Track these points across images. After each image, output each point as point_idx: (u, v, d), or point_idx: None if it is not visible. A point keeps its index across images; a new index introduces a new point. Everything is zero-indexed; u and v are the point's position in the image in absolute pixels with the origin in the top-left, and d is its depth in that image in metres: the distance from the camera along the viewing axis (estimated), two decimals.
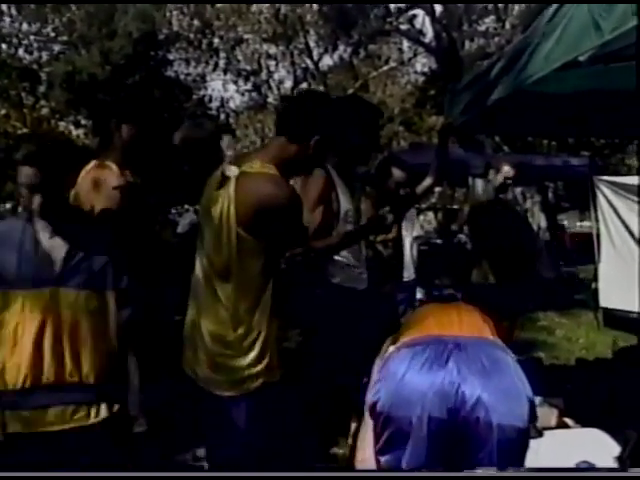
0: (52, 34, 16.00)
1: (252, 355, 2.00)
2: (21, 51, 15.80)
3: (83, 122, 15.68)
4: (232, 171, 2.04)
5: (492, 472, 1.82)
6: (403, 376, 1.80)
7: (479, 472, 1.85)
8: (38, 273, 1.91)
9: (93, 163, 2.65)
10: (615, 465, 2.64)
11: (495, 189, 4.18)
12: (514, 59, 2.17)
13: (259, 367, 2.01)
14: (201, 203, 2.15)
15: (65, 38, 16.00)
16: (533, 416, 1.86)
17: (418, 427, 1.75)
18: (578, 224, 19.63)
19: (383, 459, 1.86)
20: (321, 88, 17.33)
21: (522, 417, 1.80)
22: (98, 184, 2.52)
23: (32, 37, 15.71)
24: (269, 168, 2.03)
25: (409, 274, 4.56)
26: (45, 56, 16.25)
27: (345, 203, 2.79)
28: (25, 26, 15.67)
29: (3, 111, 13.22)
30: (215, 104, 18.99)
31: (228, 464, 1.99)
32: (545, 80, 2.11)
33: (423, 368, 1.79)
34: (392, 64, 17.40)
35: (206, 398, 2.05)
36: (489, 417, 1.75)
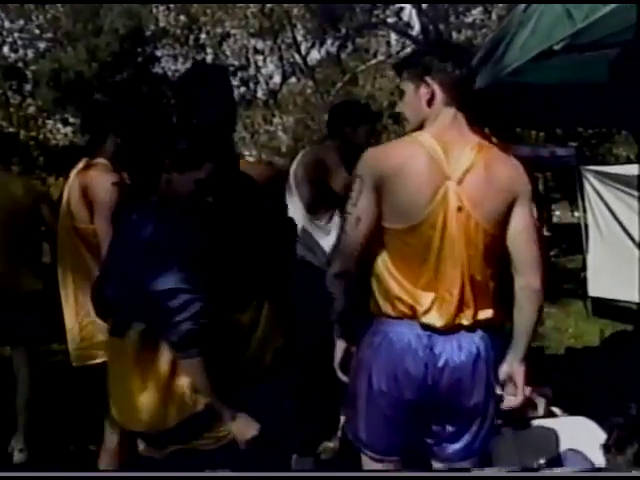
0: (36, 31, 15.84)
1: None
2: (5, 49, 15.66)
3: (71, 120, 15.55)
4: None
5: (493, 472, 1.87)
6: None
7: (479, 472, 1.89)
8: None
9: (84, 161, 2.60)
10: (601, 452, 2.66)
11: None
12: (492, 50, 2.17)
13: None
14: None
15: (50, 35, 15.85)
16: None
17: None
18: None
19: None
20: (310, 83, 17.32)
21: None
22: (94, 182, 2.48)
23: (16, 34, 15.55)
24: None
25: None
26: (30, 54, 16.09)
27: None
28: (7, 23, 15.50)
29: None
30: None
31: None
32: (522, 71, 2.12)
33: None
34: (380, 57, 17.35)
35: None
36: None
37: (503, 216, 1.79)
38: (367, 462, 1.95)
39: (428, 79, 1.81)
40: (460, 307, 1.79)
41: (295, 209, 3.11)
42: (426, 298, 1.78)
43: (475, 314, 1.81)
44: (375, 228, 1.80)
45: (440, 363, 1.79)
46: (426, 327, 1.80)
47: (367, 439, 1.91)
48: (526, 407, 3.18)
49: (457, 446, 1.89)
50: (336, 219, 2.97)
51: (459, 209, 1.74)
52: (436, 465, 1.93)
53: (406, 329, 1.81)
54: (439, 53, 1.85)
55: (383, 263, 1.83)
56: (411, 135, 1.83)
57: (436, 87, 1.80)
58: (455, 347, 1.80)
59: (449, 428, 1.87)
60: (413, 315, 1.81)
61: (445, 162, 1.75)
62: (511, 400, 1.94)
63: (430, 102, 1.81)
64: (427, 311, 1.79)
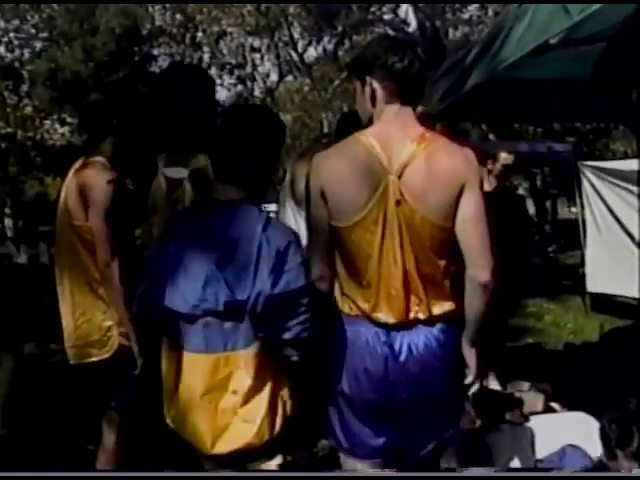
0: (32, 31, 15.81)
1: None
2: (1, 49, 15.65)
3: (69, 120, 15.56)
4: None
5: (493, 472, 1.86)
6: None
7: (479, 472, 1.88)
8: None
9: (82, 160, 2.59)
10: (600, 447, 2.66)
11: (496, 177, 4.15)
12: (489, 44, 2.16)
13: None
14: None
15: (46, 35, 15.84)
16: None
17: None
18: None
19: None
20: (307, 80, 17.32)
21: None
22: (91, 180, 2.46)
23: (12, 34, 15.53)
24: None
25: None
26: (27, 54, 16.09)
27: None
28: (3, 23, 15.47)
29: None
30: None
31: None
32: (518, 66, 2.11)
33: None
34: None
35: None
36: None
37: (451, 206, 1.75)
38: (347, 464, 1.91)
39: (368, 78, 1.80)
40: (410, 302, 1.77)
41: (287, 205, 3.11)
42: (372, 295, 1.77)
43: (430, 308, 1.78)
44: (330, 230, 1.80)
45: (401, 358, 1.77)
46: (381, 324, 1.78)
47: (342, 442, 1.88)
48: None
49: (428, 442, 1.86)
50: None
51: (398, 203, 1.72)
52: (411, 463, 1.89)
53: (363, 328, 1.80)
54: (378, 50, 1.81)
55: (336, 262, 1.83)
56: (353, 135, 1.82)
57: (376, 85, 1.79)
58: (414, 341, 1.78)
59: (417, 424, 1.83)
60: (365, 313, 1.79)
61: (384, 157, 1.74)
62: (466, 382, 1.91)
63: (373, 100, 1.80)
64: (375, 308, 1.77)
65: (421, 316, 1.77)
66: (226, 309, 1.68)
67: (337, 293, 1.85)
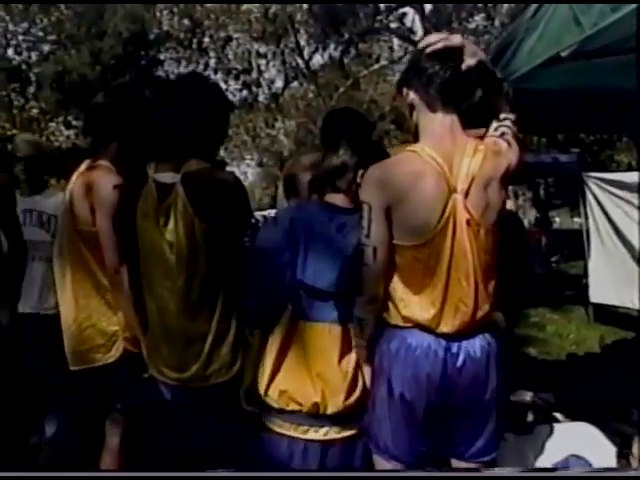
0: (40, 34, 15.89)
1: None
2: (10, 51, 15.70)
3: (74, 123, 15.59)
4: None
5: (493, 472, 1.88)
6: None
7: (479, 472, 1.90)
8: None
9: (86, 163, 2.57)
10: (614, 458, 2.66)
11: None
12: (498, 55, 2.18)
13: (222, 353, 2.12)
14: None
15: (54, 38, 15.90)
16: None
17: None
18: None
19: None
20: (312, 87, 17.37)
21: None
22: (96, 183, 2.43)
23: (20, 37, 15.59)
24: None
25: None
26: (34, 56, 16.14)
27: None
28: (12, 26, 15.54)
29: None
30: None
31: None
32: (529, 77, 2.13)
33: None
34: (383, 62, 17.42)
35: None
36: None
37: (500, 207, 1.80)
38: (386, 468, 1.91)
39: (404, 89, 1.82)
40: (474, 314, 1.79)
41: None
42: (436, 309, 1.78)
43: (486, 316, 1.82)
44: (390, 247, 1.80)
45: (459, 363, 1.80)
46: (440, 334, 1.81)
47: (392, 449, 1.88)
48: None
49: (480, 443, 1.89)
50: None
51: (468, 222, 1.73)
52: (459, 464, 1.92)
53: (421, 336, 1.82)
54: (411, 61, 1.83)
55: (395, 276, 1.83)
56: (412, 150, 1.79)
57: (413, 96, 1.80)
58: (471, 345, 1.81)
59: (471, 425, 1.87)
60: (422, 325, 1.81)
61: (449, 174, 1.74)
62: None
63: (412, 112, 1.82)
64: (439, 321, 1.79)
65: (479, 324, 1.81)
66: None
67: (393, 306, 1.85)
